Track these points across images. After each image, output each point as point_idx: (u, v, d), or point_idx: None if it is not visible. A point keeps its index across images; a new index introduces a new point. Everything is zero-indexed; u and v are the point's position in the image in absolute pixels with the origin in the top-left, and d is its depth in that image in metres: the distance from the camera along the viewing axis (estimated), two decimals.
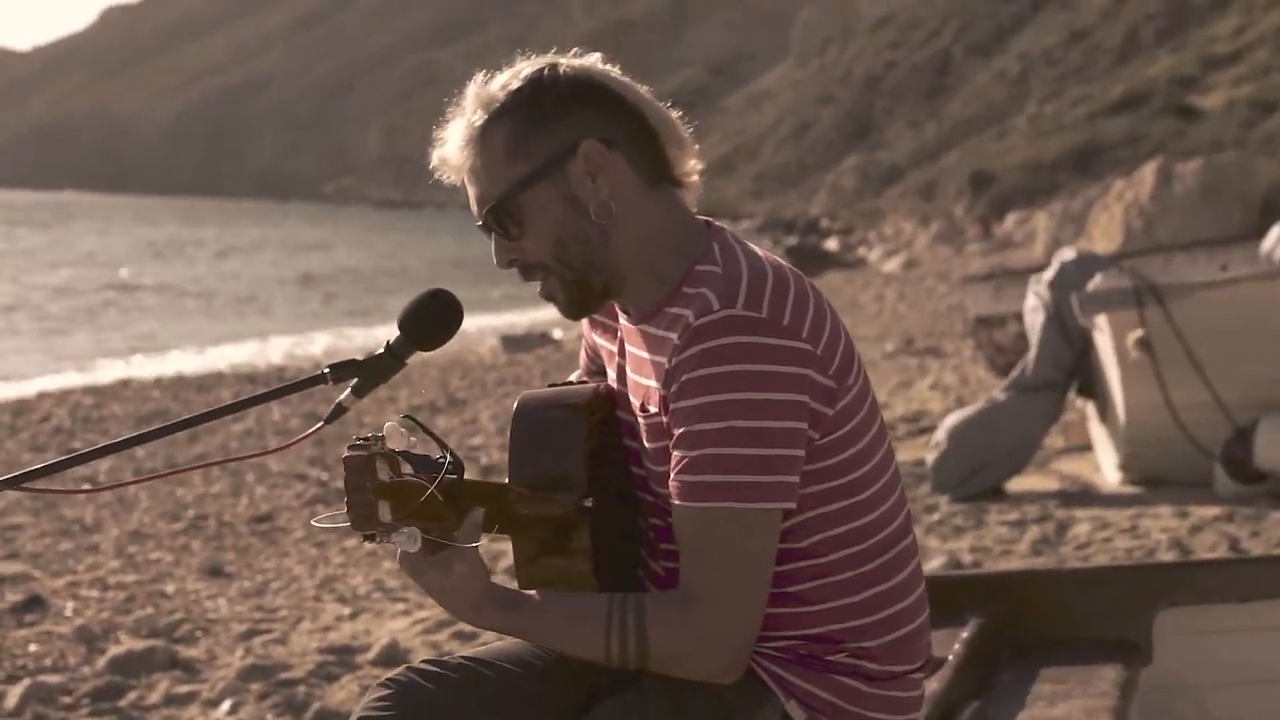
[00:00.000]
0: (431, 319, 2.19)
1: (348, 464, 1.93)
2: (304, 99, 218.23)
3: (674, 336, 2.04)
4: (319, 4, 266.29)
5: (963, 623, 3.18)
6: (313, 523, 2.20)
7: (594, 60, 2.14)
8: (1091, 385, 7.46)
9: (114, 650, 5.77)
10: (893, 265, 40.47)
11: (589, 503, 2.11)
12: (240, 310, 35.50)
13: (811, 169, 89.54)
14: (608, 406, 2.24)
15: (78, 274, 48.25)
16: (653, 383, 2.09)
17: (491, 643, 2.27)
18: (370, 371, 2.20)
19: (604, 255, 2.11)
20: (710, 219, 2.18)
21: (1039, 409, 7.45)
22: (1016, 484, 7.53)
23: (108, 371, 21.40)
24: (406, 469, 1.97)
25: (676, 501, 2.03)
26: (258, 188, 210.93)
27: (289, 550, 7.88)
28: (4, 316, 32.47)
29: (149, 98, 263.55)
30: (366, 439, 1.95)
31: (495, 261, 2.15)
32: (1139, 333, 6.89)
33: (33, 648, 5.98)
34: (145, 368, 21.79)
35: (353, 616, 6.31)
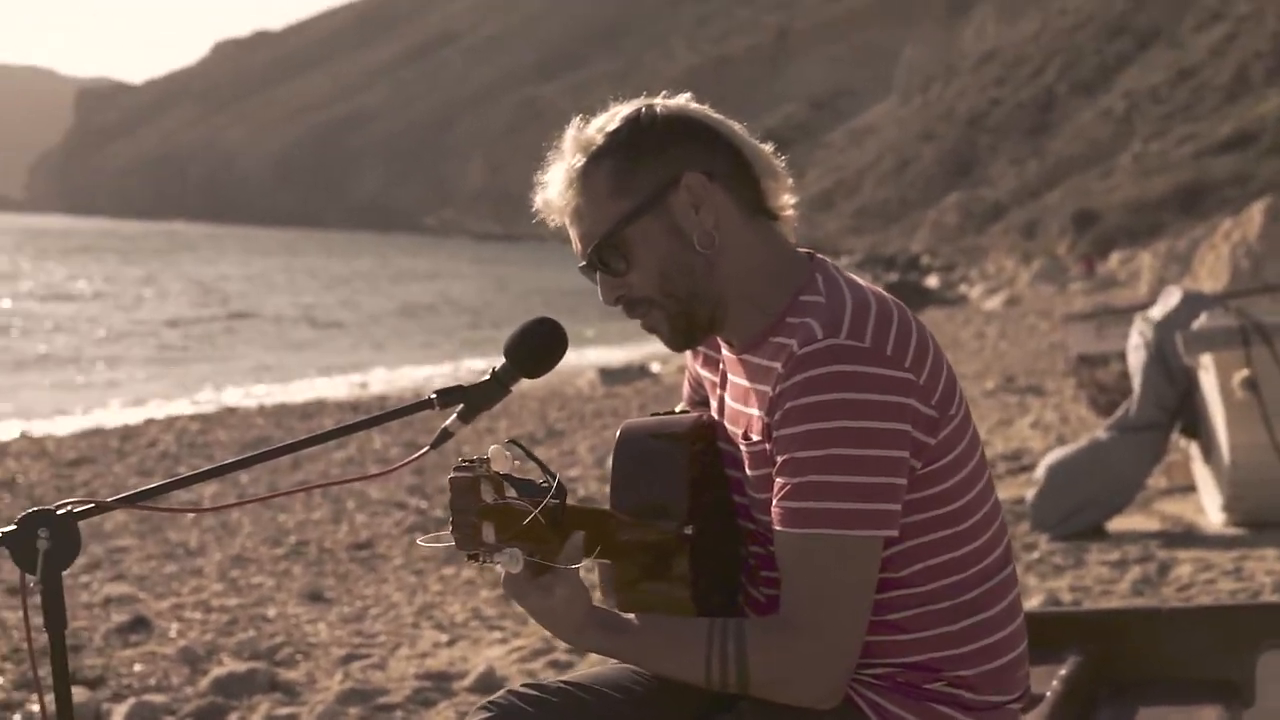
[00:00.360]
0: (537, 347, 2.23)
1: (453, 485, 1.97)
2: (407, 133, 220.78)
3: (778, 365, 2.06)
4: (423, 40, 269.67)
5: (1061, 660, 3.16)
6: (418, 541, 2.24)
7: (686, 99, 2.19)
8: (1195, 425, 7.36)
9: (216, 671, 5.86)
10: (994, 303, 40.15)
11: (689, 530, 2.14)
12: (346, 340, 35.98)
13: (913, 205, 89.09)
14: (709, 436, 2.26)
15: (190, 303, 49.15)
16: (756, 411, 2.12)
17: (590, 668, 2.29)
18: (476, 397, 2.24)
19: (709, 285, 2.14)
20: (812, 250, 2.20)
21: (1142, 449, 7.37)
22: (1118, 524, 7.44)
23: (214, 398, 21.77)
24: (511, 492, 2.00)
25: (779, 528, 2.05)
26: (360, 220, 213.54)
27: (388, 577, 7.96)
28: (119, 344, 33.12)
29: (255, 131, 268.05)
30: (472, 461, 1.98)
31: (602, 299, 2.18)
32: (1244, 373, 6.80)
33: (138, 667, 6.09)
34: (250, 395, 22.14)
35: (450, 643, 6.37)
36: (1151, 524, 7.51)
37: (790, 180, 2.20)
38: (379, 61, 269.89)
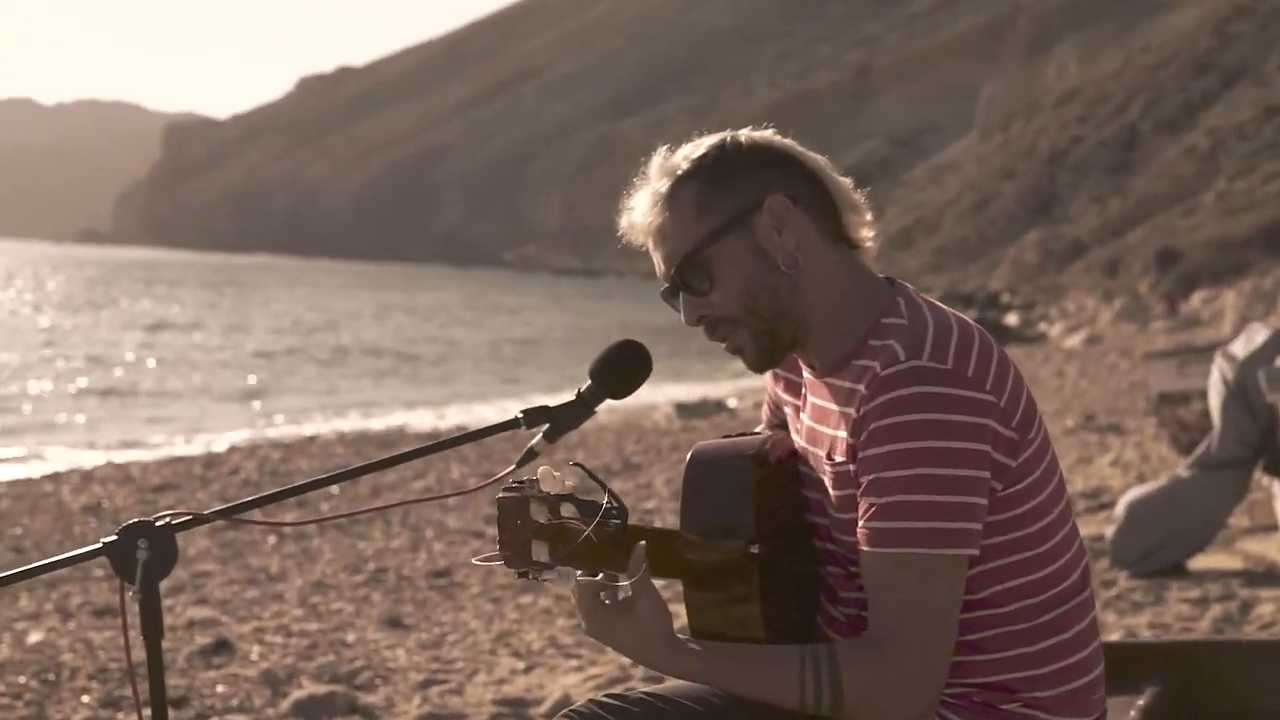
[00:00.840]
0: (622, 368, 2.27)
1: (501, 505, 2.00)
2: (486, 169, 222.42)
3: (861, 387, 2.10)
4: (502, 77, 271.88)
5: (1139, 691, 3.14)
6: (473, 560, 2.29)
7: (769, 131, 2.24)
8: (1278, 463, 7.29)
9: (297, 694, 5.94)
10: (1074, 341, 39.80)
11: (755, 549, 2.16)
12: (428, 373, 36.29)
13: (992, 243, 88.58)
14: (781, 456, 2.30)
15: (275, 335, 49.72)
16: (840, 432, 2.15)
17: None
18: (561, 417, 2.29)
19: (792, 305, 2.18)
20: (893, 277, 2.24)
21: (1224, 486, 7.30)
22: (1199, 562, 7.37)
23: (295, 428, 22.02)
24: (570, 511, 2.03)
25: (865, 548, 2.08)
26: (439, 254, 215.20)
27: (465, 605, 8.03)
28: (211, 374, 33.53)
29: (337, 165, 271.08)
30: (521, 483, 2.02)
31: (684, 320, 2.22)
32: None
33: (220, 689, 6.19)
34: (331, 424, 22.39)
35: (527, 670, 6.41)
36: (1233, 563, 7.44)
37: (870, 215, 2.24)
38: (459, 98, 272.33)
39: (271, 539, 10.36)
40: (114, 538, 2.25)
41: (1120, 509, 7.51)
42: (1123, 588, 6.99)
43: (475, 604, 8.03)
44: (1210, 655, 3.35)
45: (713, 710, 2.25)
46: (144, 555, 2.24)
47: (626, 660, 6.28)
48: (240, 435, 20.94)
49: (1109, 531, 7.50)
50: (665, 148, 2.23)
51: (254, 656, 6.81)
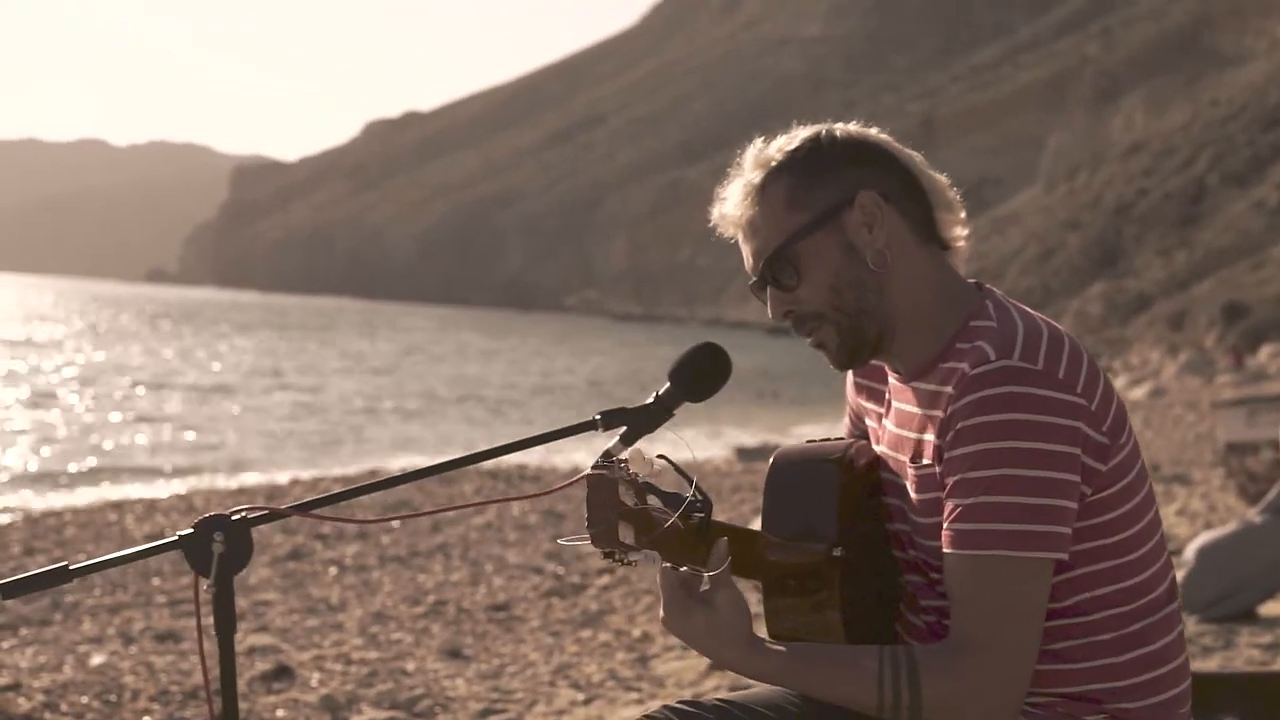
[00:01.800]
0: (701, 371, 2.25)
1: (590, 481, 1.97)
2: (551, 213, 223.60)
3: (949, 388, 2.07)
4: (569, 122, 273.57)
5: None
6: (558, 541, 2.27)
7: (864, 127, 2.22)
8: None
9: (356, 719, 5.94)
10: (1139, 393, 39.45)
11: (838, 552, 2.14)
12: (493, 414, 36.45)
13: (1056, 294, 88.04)
14: (864, 462, 2.27)
15: (350, 377, 50.11)
16: (926, 435, 2.12)
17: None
18: (639, 420, 2.26)
19: (879, 303, 2.15)
20: (981, 282, 2.22)
21: None
22: (1269, 608, 7.25)
23: (362, 465, 22.16)
24: (653, 500, 2.01)
25: (949, 550, 2.05)
26: (501, 298, 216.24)
27: (525, 638, 8.01)
28: (293, 420, 33.70)
29: (402, 209, 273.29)
30: (610, 462, 1.99)
31: (770, 314, 2.20)
32: None
33: (280, 713, 6.19)
34: (397, 461, 22.52)
35: (586, 702, 6.38)
36: None
37: (964, 214, 2.22)
38: (526, 143, 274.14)
39: (333, 570, 10.39)
40: (189, 530, 2.25)
41: (1190, 554, 7.41)
42: (1192, 632, 6.88)
43: (535, 637, 8.01)
44: None
45: (785, 717, 2.21)
46: (219, 549, 2.23)
47: (688, 694, 6.24)
48: (305, 473, 21.09)
49: (1179, 576, 7.40)
50: (761, 139, 2.21)
51: (314, 683, 6.82)
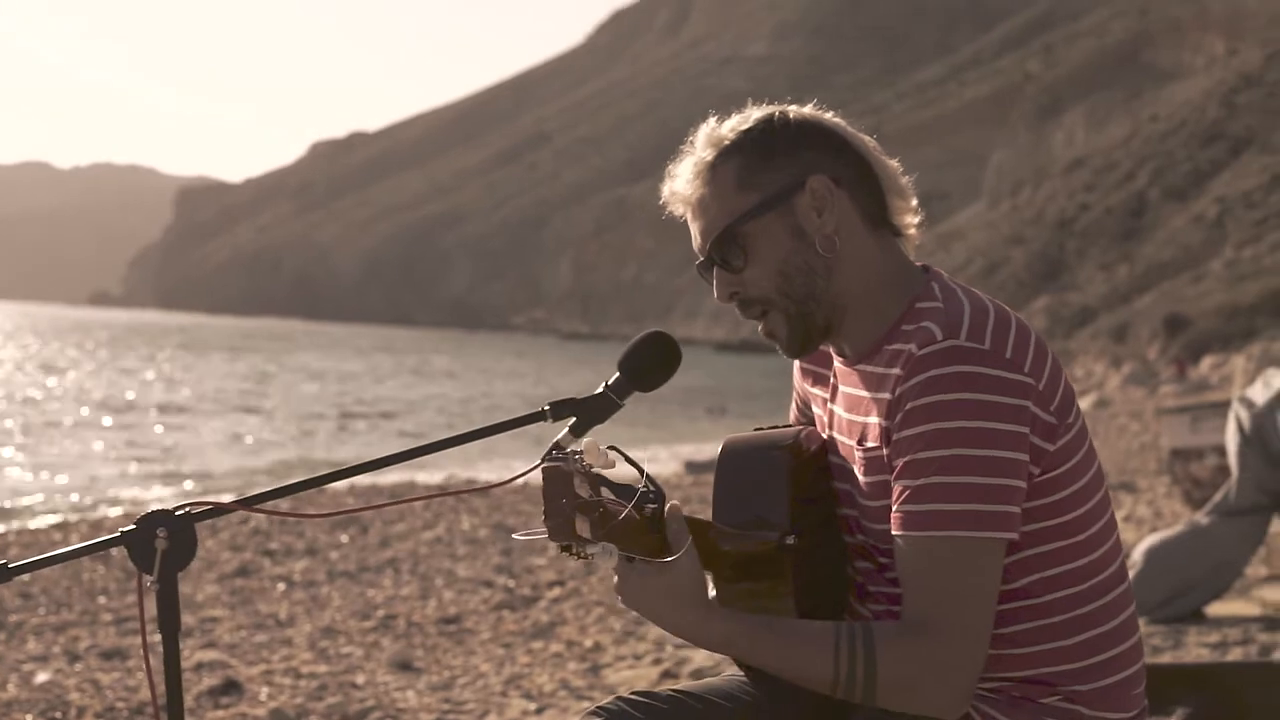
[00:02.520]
0: (651, 360, 2.23)
1: (546, 474, 1.94)
2: (497, 233, 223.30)
3: (896, 370, 2.06)
4: (515, 142, 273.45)
5: (1170, 713, 3.10)
6: (514, 536, 2.24)
7: (818, 110, 2.21)
8: None
9: None
10: (1084, 404, 39.71)
11: (791, 540, 2.11)
12: (442, 432, 36.29)
13: None
14: (813, 449, 2.25)
15: (301, 398, 49.79)
16: (873, 418, 2.11)
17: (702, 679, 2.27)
18: (589, 410, 2.24)
19: (827, 288, 2.14)
20: (928, 265, 2.21)
21: (1242, 534, 7.23)
22: (1216, 608, 7.29)
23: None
24: (606, 493, 1.99)
25: (899, 532, 2.02)
26: (447, 318, 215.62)
27: (476, 650, 7.95)
28: (243, 436, 33.45)
29: (348, 229, 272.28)
30: (566, 452, 1.97)
31: (716, 296, 2.18)
32: None
33: None
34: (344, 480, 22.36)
35: (539, 712, 6.34)
36: (1251, 609, 7.36)
37: (915, 201, 2.20)
38: (471, 163, 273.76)
39: (281, 586, 10.30)
40: (132, 527, 2.21)
41: (1138, 555, 7.44)
42: (1142, 632, 6.90)
43: (486, 649, 7.96)
44: (1242, 677, 3.30)
45: (740, 706, 2.19)
46: (163, 545, 2.20)
47: None
48: (250, 488, 20.92)
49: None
50: (714, 117, 2.20)
51: (263, 697, 6.74)
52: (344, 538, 12.56)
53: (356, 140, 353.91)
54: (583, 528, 1.93)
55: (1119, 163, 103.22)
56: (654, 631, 8.07)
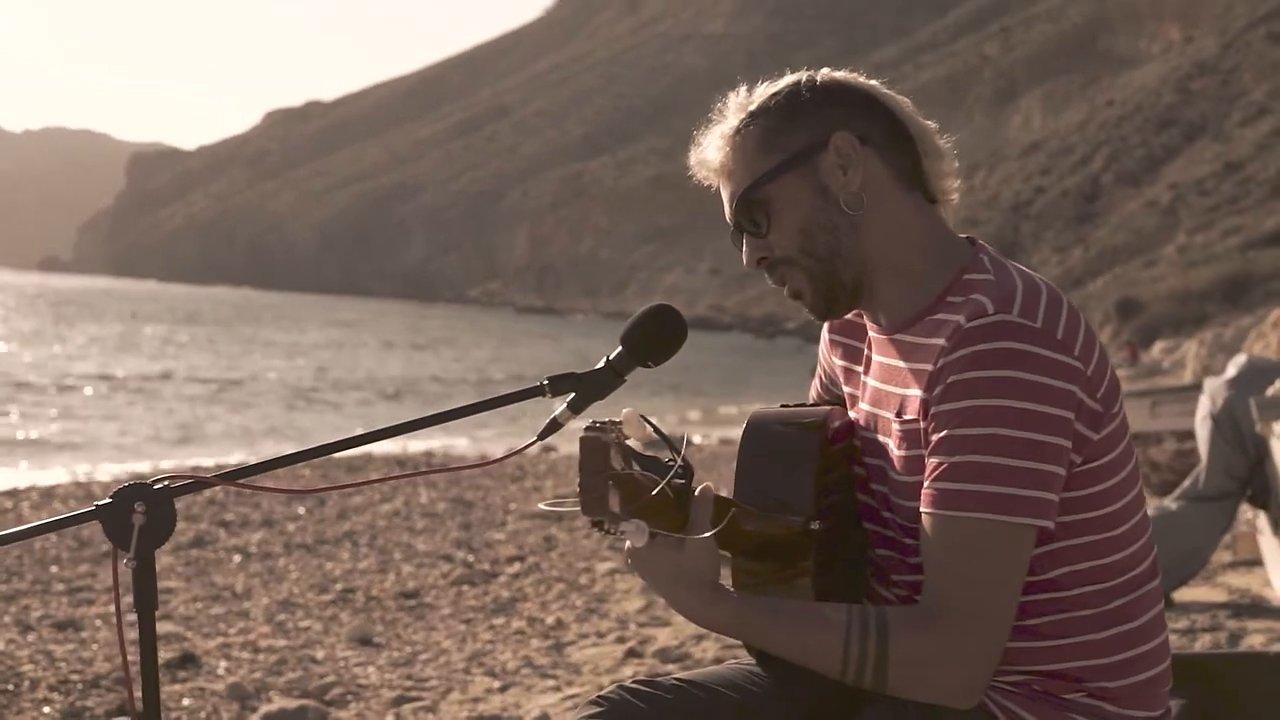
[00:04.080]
0: (656, 334, 2.13)
1: (584, 444, 1.87)
2: (454, 205, 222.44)
3: (941, 340, 1.97)
4: (473, 114, 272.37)
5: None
6: (541, 506, 2.15)
7: (850, 73, 2.14)
8: (1265, 495, 7.20)
9: (266, 708, 5.77)
10: None
11: (815, 525, 2.04)
12: (401, 406, 36.16)
13: None
14: (841, 430, 2.17)
15: (256, 371, 49.48)
16: (912, 390, 2.02)
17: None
18: (589, 386, 2.15)
19: (853, 247, 2.06)
20: (974, 238, 2.13)
21: (1211, 519, 7.21)
22: (1183, 594, 7.28)
23: (267, 452, 21.83)
24: (635, 466, 1.92)
25: (929, 509, 1.94)
26: (403, 289, 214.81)
27: (436, 625, 7.86)
28: (201, 404, 33.18)
29: (303, 198, 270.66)
30: (604, 423, 1.90)
31: (745, 262, 2.11)
32: None
33: (186, 702, 6.00)
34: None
35: (502, 689, 6.26)
36: (1218, 595, 7.35)
37: (956, 165, 2.12)
38: (429, 134, 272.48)
39: (237, 557, 10.17)
40: (108, 500, 2.11)
41: None
42: None
43: (447, 624, 7.87)
44: (1235, 667, 3.24)
45: (746, 696, 2.11)
46: (140, 520, 2.10)
47: (605, 681, 6.13)
48: (210, 458, 20.76)
49: None
50: (744, 86, 2.13)
51: (221, 671, 6.63)
52: (301, 510, 12.43)
53: (313, 109, 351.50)
54: (614, 502, 1.85)
55: (1074, 147, 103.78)
56: (616, 609, 8.01)
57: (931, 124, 2.11)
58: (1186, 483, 7.47)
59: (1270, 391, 6.94)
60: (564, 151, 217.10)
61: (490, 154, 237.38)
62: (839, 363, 2.25)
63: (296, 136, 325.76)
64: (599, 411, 2.05)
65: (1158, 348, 49.69)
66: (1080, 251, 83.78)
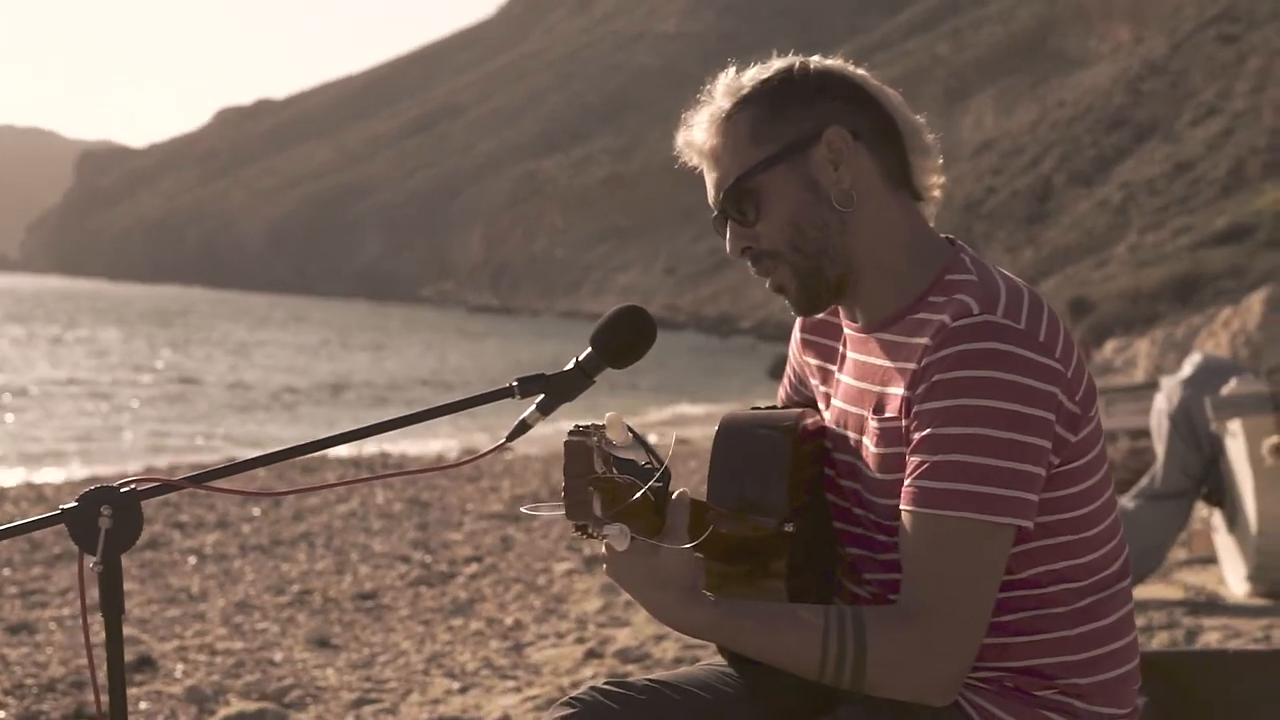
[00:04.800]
0: (625, 335, 2.13)
1: (569, 448, 1.87)
2: (407, 203, 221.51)
3: (924, 339, 1.97)
4: (426, 112, 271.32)
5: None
6: (523, 510, 2.15)
7: (842, 63, 2.12)
8: (1220, 493, 7.26)
9: (225, 711, 5.73)
10: None
11: (789, 528, 2.04)
12: (352, 408, 35.99)
13: None
14: (812, 431, 2.17)
15: (199, 372, 49.16)
16: (892, 388, 2.02)
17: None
18: (558, 387, 2.14)
19: (841, 245, 2.05)
20: (953, 237, 2.13)
21: (1168, 516, 7.26)
22: (1139, 592, 7.32)
23: (223, 455, 21.71)
24: (614, 470, 1.91)
25: (909, 506, 1.94)
26: (356, 289, 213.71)
27: (395, 626, 7.83)
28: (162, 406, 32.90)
29: (254, 197, 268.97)
30: (587, 427, 1.89)
31: (729, 250, 2.10)
32: (1275, 439, 6.71)
33: (144, 705, 5.95)
34: (253, 453, 22.13)
35: (462, 690, 6.24)
36: (1174, 593, 7.41)
37: (940, 161, 2.12)
38: (382, 132, 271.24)
39: (192, 559, 10.10)
40: (74, 504, 2.08)
41: None
42: None
43: (405, 626, 7.84)
44: (1197, 666, 3.26)
45: (720, 698, 2.11)
46: (107, 524, 2.08)
47: (565, 682, 6.12)
48: (165, 460, 20.61)
49: None
50: (734, 67, 2.11)
51: (178, 674, 6.58)
52: (256, 511, 12.35)
53: (263, 108, 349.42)
54: (597, 506, 1.85)
55: (1026, 147, 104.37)
56: (575, 609, 7.99)
57: (920, 118, 2.11)
58: (1144, 481, 7.52)
59: (1225, 390, 6.99)
60: (518, 150, 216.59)
61: (444, 152, 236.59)
62: (812, 361, 2.25)
63: (247, 135, 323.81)
64: (570, 413, 2.05)
65: (1110, 347, 50.01)
66: (1032, 251, 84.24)
